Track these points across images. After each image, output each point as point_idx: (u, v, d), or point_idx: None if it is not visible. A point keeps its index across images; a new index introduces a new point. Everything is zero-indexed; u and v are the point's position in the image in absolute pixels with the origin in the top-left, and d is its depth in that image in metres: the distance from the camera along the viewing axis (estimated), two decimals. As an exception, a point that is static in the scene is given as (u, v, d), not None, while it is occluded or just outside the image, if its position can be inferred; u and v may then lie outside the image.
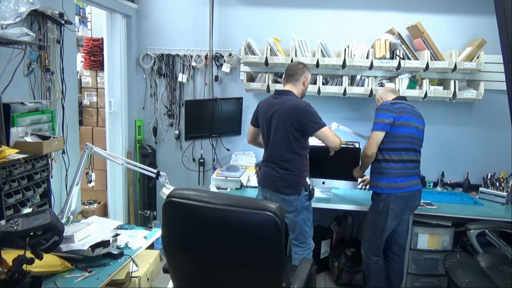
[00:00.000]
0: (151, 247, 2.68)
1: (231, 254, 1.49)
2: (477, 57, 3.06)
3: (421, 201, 2.91)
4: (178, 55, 3.56)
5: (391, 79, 3.29)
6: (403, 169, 2.55)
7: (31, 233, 1.40)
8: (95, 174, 2.67)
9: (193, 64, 3.53)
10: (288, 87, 2.52)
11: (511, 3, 1.45)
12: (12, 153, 1.88)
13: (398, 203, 2.54)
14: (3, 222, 1.72)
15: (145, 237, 2.29)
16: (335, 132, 2.46)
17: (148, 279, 2.67)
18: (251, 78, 3.39)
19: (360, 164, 2.77)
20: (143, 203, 3.63)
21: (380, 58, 3.08)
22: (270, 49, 3.19)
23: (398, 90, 3.13)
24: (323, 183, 3.05)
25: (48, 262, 1.74)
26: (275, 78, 3.34)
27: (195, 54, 3.53)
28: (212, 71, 3.55)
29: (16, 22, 1.88)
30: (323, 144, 2.45)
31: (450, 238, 2.91)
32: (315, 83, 3.22)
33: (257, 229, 1.42)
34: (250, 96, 3.53)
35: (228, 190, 3.04)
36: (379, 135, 2.53)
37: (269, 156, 2.52)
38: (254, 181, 3.14)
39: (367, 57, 3.12)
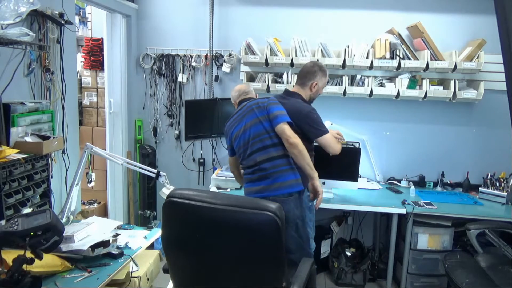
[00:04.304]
0: (151, 247, 2.67)
1: (231, 254, 1.49)
2: (477, 57, 3.06)
3: (421, 201, 2.93)
4: (178, 55, 3.55)
5: (391, 79, 3.29)
6: None
7: (31, 233, 1.40)
8: (95, 174, 2.68)
9: (193, 64, 3.53)
10: (295, 88, 2.50)
11: (511, 3, 1.45)
12: (12, 153, 1.88)
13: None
14: (3, 222, 1.72)
15: (145, 237, 2.28)
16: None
17: (148, 279, 2.67)
18: (251, 78, 3.39)
19: (309, 167, 2.21)
20: (143, 203, 3.63)
21: (380, 58, 3.08)
22: (270, 49, 3.19)
23: (398, 90, 3.15)
24: (323, 183, 3.04)
25: (48, 262, 1.74)
26: (275, 78, 3.34)
27: (195, 54, 3.53)
28: (212, 71, 3.54)
29: (16, 22, 1.88)
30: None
31: (450, 238, 2.91)
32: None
33: (257, 229, 1.42)
34: (250, 96, 3.52)
35: (228, 190, 3.04)
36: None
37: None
38: (254, 181, 3.13)
39: (367, 57, 3.11)
